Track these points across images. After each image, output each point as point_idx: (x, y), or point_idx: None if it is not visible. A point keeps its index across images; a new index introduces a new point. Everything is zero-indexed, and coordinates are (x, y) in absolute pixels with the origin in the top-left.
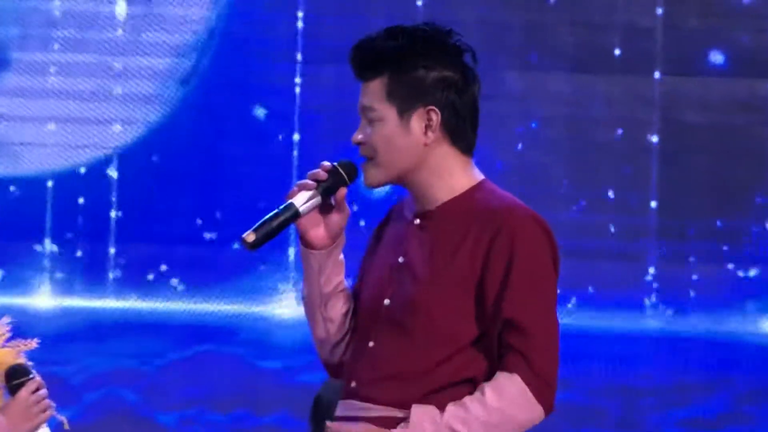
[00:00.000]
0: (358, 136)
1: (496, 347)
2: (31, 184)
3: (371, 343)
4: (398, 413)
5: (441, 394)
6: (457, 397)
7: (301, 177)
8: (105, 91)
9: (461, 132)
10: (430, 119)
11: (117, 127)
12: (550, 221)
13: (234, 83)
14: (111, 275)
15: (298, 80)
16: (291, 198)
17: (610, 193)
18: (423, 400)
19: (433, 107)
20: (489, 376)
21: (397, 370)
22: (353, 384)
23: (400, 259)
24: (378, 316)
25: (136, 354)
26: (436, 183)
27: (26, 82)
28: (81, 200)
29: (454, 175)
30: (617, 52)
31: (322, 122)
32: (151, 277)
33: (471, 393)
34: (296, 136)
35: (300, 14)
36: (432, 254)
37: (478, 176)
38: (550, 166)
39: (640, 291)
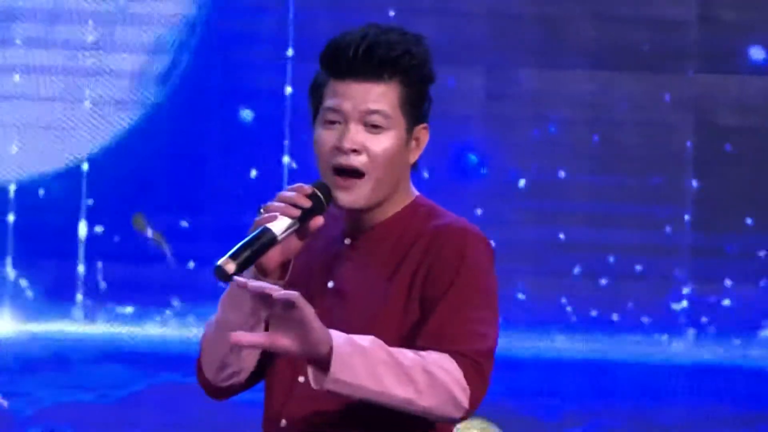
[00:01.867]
0: (359, 141)
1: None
2: None
3: (301, 378)
4: None
5: (395, 427)
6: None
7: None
8: (73, 93)
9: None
10: (418, 138)
11: (85, 133)
12: (568, 236)
13: (217, 83)
14: (79, 297)
15: (288, 79)
16: (268, 222)
17: (638, 206)
18: None
19: (426, 126)
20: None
21: (338, 407)
22: (283, 423)
23: (330, 284)
24: None
25: (96, 385)
26: (383, 209)
27: None
28: (46, 214)
29: (399, 197)
30: (646, 47)
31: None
32: (120, 299)
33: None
34: (286, 142)
35: (291, 6)
36: (368, 279)
37: (414, 191)
38: (568, 175)
39: (671, 314)
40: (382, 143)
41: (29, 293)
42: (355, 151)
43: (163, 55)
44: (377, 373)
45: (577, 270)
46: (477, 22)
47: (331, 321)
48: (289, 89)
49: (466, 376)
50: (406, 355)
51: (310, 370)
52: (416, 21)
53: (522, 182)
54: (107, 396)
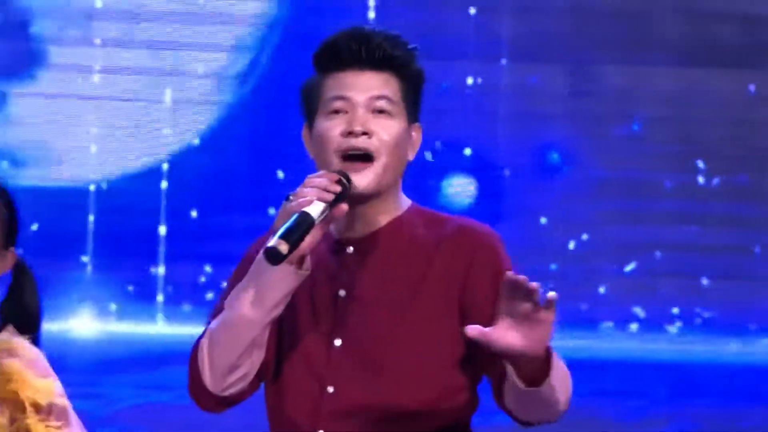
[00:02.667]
0: (368, 125)
1: (485, 374)
2: (72, 195)
3: (330, 389)
4: None
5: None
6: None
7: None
8: (153, 93)
9: None
10: (416, 136)
11: (167, 131)
12: (651, 235)
13: (297, 82)
14: (159, 298)
15: None
16: (305, 206)
17: (725, 207)
18: None
19: (419, 125)
20: (467, 414)
21: (381, 418)
22: None
23: (342, 293)
24: (328, 358)
25: (174, 386)
26: (385, 208)
27: (66, 82)
28: (126, 215)
29: (397, 200)
30: (733, 43)
31: None
32: (199, 300)
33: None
34: None
35: (372, 3)
36: (387, 283)
37: (406, 199)
38: (653, 175)
39: (759, 314)
40: (389, 128)
41: (109, 294)
42: (365, 133)
43: (244, 55)
44: (561, 377)
45: (660, 269)
46: (560, 19)
47: (348, 329)
48: None
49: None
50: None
51: (512, 371)
52: (498, 18)
53: (605, 180)
54: (185, 396)
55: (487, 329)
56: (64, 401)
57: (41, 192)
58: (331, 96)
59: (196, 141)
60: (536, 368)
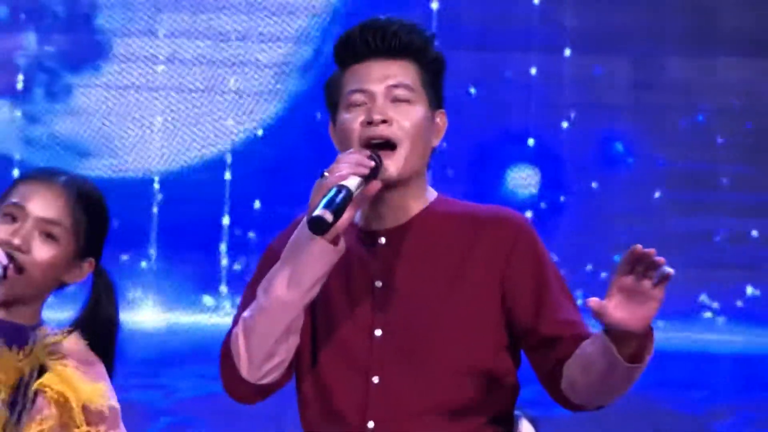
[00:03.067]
0: (387, 113)
1: (540, 357)
2: (136, 186)
3: (376, 379)
4: None
5: (488, 426)
6: (497, 425)
7: (435, 174)
8: (217, 84)
9: None
10: (440, 123)
11: (230, 122)
12: (715, 227)
13: None
14: (222, 289)
15: None
16: (341, 181)
17: None
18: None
19: (444, 112)
20: (511, 403)
21: (431, 406)
22: (371, 425)
23: (378, 284)
24: (370, 348)
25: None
26: (413, 195)
27: (130, 74)
28: (190, 205)
29: (425, 189)
30: None
31: (460, 114)
32: None
33: (503, 417)
34: None
35: None
36: (425, 273)
37: (432, 190)
38: (719, 167)
39: None
40: (409, 114)
41: (172, 284)
42: (384, 121)
43: (306, 46)
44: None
45: (724, 261)
46: (623, 11)
47: (388, 319)
48: None
49: None
50: None
51: (614, 348)
52: (562, 10)
53: (669, 171)
54: None
55: (603, 302)
56: (114, 405)
57: (105, 183)
58: (350, 89)
59: (260, 131)
60: (637, 345)
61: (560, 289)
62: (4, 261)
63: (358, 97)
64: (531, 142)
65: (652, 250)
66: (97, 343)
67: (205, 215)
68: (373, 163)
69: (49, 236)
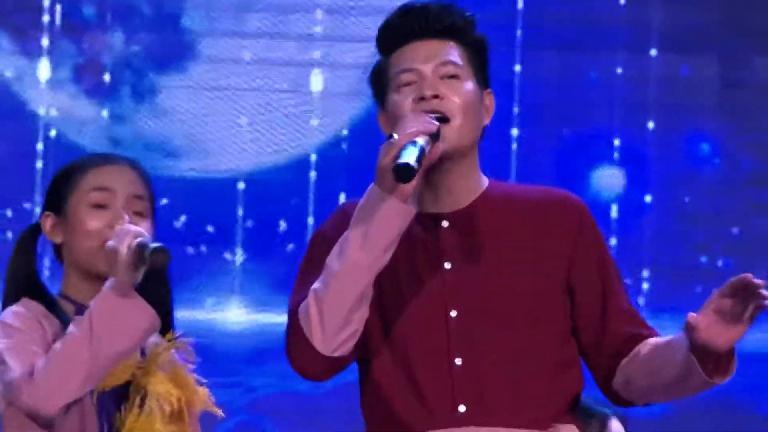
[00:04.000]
0: (439, 89)
1: (597, 346)
2: (221, 186)
3: (458, 361)
4: None
5: (570, 411)
6: (575, 414)
7: (521, 173)
8: (302, 84)
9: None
10: (489, 103)
11: (315, 122)
12: None
13: None
14: None
15: (517, 68)
16: (412, 137)
17: None
18: (560, 418)
19: (491, 92)
20: (580, 387)
21: (517, 388)
22: (462, 408)
23: (447, 265)
24: (447, 329)
25: None
26: (467, 177)
27: (216, 74)
28: (276, 204)
29: (477, 170)
30: None
31: (544, 114)
32: None
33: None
34: (515, 131)
35: None
36: (494, 255)
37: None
38: None
39: None
40: (459, 89)
41: (258, 284)
42: (436, 96)
43: None
44: None
45: None
46: (710, 10)
47: (462, 301)
48: (518, 67)
49: None
50: None
51: (696, 363)
52: (647, 9)
53: (755, 173)
54: (320, 386)
55: (699, 318)
56: (215, 409)
57: (190, 183)
58: (397, 71)
59: (344, 131)
60: (715, 361)
61: (618, 277)
62: (148, 235)
63: (407, 77)
64: (616, 142)
65: (761, 282)
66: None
67: (290, 214)
68: (437, 124)
69: (137, 214)
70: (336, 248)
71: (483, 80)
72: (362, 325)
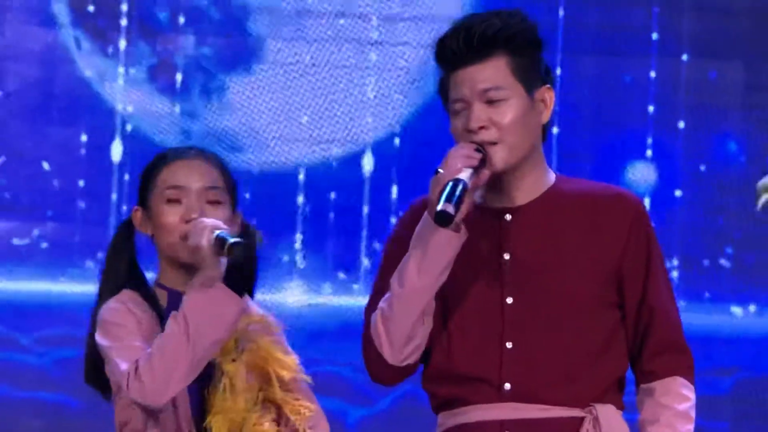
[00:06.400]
0: (482, 119)
1: (632, 336)
2: (282, 179)
3: (509, 344)
4: (580, 412)
5: (609, 393)
6: (620, 394)
7: (561, 168)
8: (358, 83)
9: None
10: (544, 99)
11: (370, 120)
12: None
13: None
14: (363, 271)
15: (558, 71)
16: (455, 174)
17: None
18: (600, 399)
19: (549, 86)
20: (625, 370)
21: (561, 371)
22: (507, 386)
23: (506, 256)
24: (502, 317)
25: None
26: (533, 173)
27: (279, 75)
28: (332, 195)
29: (544, 165)
30: None
31: (582, 114)
32: None
33: (622, 392)
34: (555, 129)
35: (561, 2)
36: (551, 249)
37: (551, 171)
38: None
39: None
40: (505, 113)
41: (316, 268)
42: (482, 128)
43: None
44: None
45: None
46: (737, 18)
47: (518, 289)
48: (559, 70)
49: (686, 376)
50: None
51: None
52: (678, 17)
53: None
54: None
55: None
56: (304, 376)
57: (255, 175)
58: (451, 98)
59: (397, 128)
60: None
61: (664, 280)
62: (225, 226)
63: (457, 106)
64: (649, 140)
65: None
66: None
67: (346, 205)
68: (480, 155)
69: (213, 203)
70: (397, 272)
71: (536, 80)
72: (426, 336)
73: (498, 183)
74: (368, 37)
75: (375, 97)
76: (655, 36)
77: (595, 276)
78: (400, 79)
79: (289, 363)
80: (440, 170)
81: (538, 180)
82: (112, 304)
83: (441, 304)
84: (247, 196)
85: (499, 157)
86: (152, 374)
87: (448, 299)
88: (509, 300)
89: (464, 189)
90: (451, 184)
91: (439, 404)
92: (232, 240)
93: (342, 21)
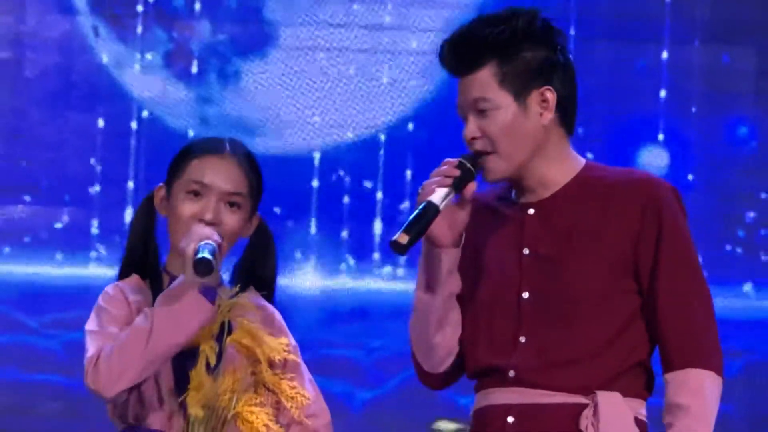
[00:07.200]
0: (473, 131)
1: (650, 323)
2: (297, 163)
3: (522, 339)
4: (582, 399)
5: (620, 380)
6: (634, 382)
7: (577, 152)
8: (372, 68)
9: (569, 110)
10: (545, 100)
11: (384, 104)
12: None
13: None
14: (375, 256)
15: (571, 57)
16: (428, 196)
17: None
18: (604, 386)
19: (548, 87)
20: (650, 357)
21: (569, 358)
22: (511, 374)
23: (526, 251)
24: (517, 310)
25: (385, 335)
26: (551, 167)
27: (294, 60)
28: (347, 179)
29: (565, 157)
30: None
31: (594, 100)
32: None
33: (644, 377)
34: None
35: None
36: (566, 239)
37: (581, 157)
38: None
39: None
40: (493, 122)
41: (330, 251)
42: (474, 138)
43: None
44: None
45: None
46: (749, 3)
47: (535, 284)
48: (572, 57)
49: (704, 366)
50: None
51: None
52: (693, 3)
53: None
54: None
55: None
56: (295, 357)
57: (270, 159)
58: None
59: (411, 113)
60: None
61: (683, 268)
62: (218, 239)
63: (460, 114)
64: (661, 125)
65: None
66: (263, 290)
67: (360, 189)
68: (458, 172)
69: (233, 205)
70: (417, 280)
71: (529, 84)
72: (453, 343)
73: (521, 179)
74: (382, 22)
75: (388, 81)
76: (667, 22)
77: (609, 263)
78: (414, 63)
79: (276, 345)
80: (420, 190)
81: (559, 173)
82: (110, 289)
83: (469, 299)
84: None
85: (494, 166)
86: (108, 367)
87: (474, 294)
88: (525, 295)
89: (434, 212)
90: (419, 208)
91: (474, 388)
92: (197, 257)
93: (355, 6)
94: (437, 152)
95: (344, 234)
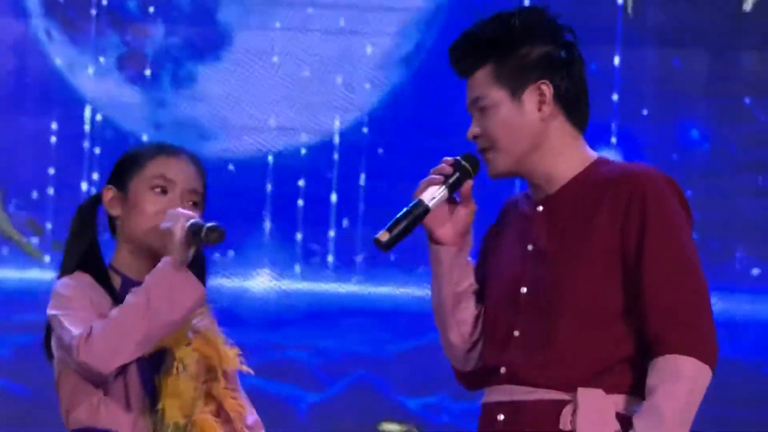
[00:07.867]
0: (474, 130)
1: (642, 317)
2: (251, 167)
3: (516, 333)
4: (564, 396)
5: (604, 376)
6: (620, 378)
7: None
8: (326, 74)
9: (574, 105)
10: (542, 93)
11: (337, 112)
12: None
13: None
14: (329, 259)
15: None
16: (418, 195)
17: None
18: (587, 383)
19: (544, 81)
20: (641, 351)
21: (552, 355)
22: (503, 370)
23: (530, 247)
24: (517, 306)
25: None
26: (556, 162)
27: (247, 64)
28: (301, 183)
29: (572, 152)
30: None
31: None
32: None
33: (631, 372)
34: None
35: None
36: (564, 234)
37: (593, 153)
38: None
39: None
40: (490, 121)
41: (284, 254)
42: (475, 137)
43: (408, 40)
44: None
45: None
46: (701, 7)
47: (533, 280)
48: None
49: (689, 352)
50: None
51: None
52: (643, 6)
53: (741, 158)
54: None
55: None
56: (244, 368)
57: (225, 162)
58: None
59: (365, 118)
60: None
61: (669, 258)
62: (199, 218)
63: (470, 111)
64: (614, 128)
65: None
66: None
67: (314, 192)
68: (451, 170)
69: (194, 204)
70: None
71: (525, 79)
72: (478, 338)
73: (531, 177)
74: (336, 26)
75: (343, 85)
76: (620, 25)
77: (599, 258)
78: (368, 67)
79: (231, 356)
80: (421, 183)
81: (565, 168)
82: (65, 280)
83: (487, 298)
84: (216, 184)
85: (494, 161)
86: (105, 340)
87: (489, 293)
88: (524, 290)
89: (423, 210)
90: (408, 207)
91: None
92: (209, 224)
93: (310, 10)
94: (391, 156)
95: (298, 236)
